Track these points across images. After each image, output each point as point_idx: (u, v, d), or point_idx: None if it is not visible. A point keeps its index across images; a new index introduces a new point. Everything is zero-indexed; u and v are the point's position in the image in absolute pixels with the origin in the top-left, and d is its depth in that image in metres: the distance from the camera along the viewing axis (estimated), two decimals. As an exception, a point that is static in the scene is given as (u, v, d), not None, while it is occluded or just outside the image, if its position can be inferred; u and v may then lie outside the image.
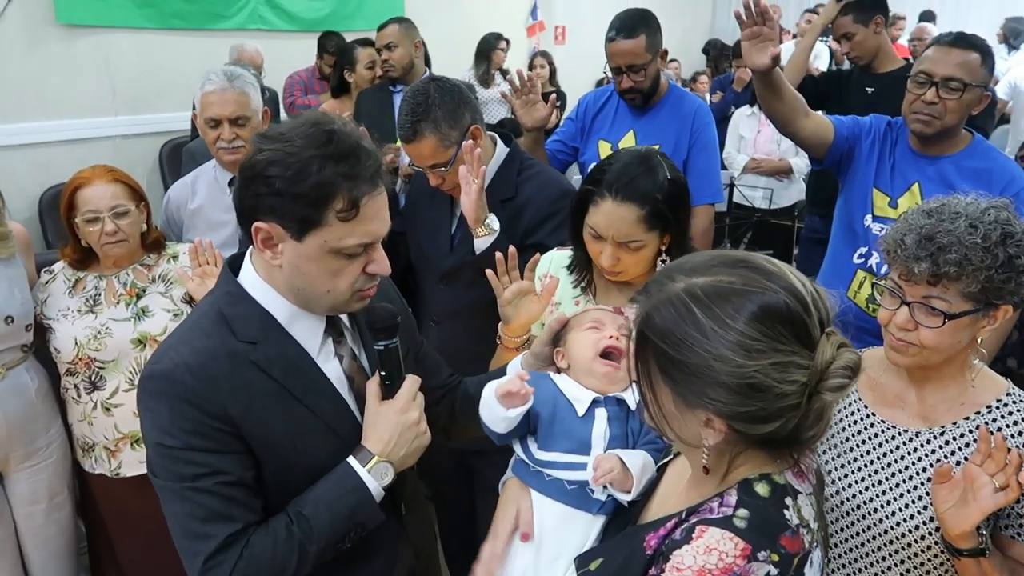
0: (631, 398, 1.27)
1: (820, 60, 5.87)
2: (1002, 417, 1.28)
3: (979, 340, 1.30)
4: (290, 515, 1.16)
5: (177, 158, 4.15)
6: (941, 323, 1.23)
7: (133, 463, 2.16)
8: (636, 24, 2.50)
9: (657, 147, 2.58)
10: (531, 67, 6.25)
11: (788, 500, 0.93)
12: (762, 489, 0.93)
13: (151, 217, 2.20)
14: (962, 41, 2.03)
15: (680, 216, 1.59)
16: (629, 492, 1.16)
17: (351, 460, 1.19)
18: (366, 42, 3.97)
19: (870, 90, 3.08)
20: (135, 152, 4.46)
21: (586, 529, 1.20)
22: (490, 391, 1.27)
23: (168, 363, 1.13)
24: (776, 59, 2.00)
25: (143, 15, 4.39)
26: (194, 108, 2.31)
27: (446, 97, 1.88)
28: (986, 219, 1.23)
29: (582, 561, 1.06)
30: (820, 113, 2.29)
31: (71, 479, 2.25)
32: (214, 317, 1.19)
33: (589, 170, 1.67)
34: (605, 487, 1.19)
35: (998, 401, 1.30)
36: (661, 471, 1.18)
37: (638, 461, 1.17)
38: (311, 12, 5.32)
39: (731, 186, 4.42)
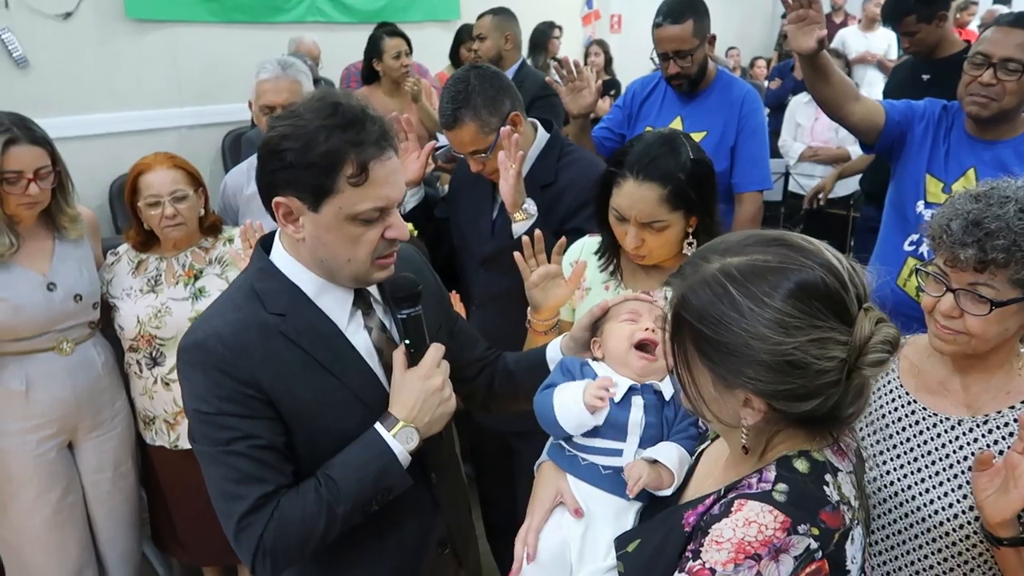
0: (667, 388, 1.27)
1: (891, 51, 5.68)
2: (1049, 406, 1.25)
3: (1026, 327, 1.26)
4: (319, 478, 1.20)
5: (239, 148, 4.30)
6: (988, 311, 1.20)
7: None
8: (683, 9, 2.49)
9: (705, 133, 2.56)
10: (586, 56, 6.22)
11: (828, 477, 0.93)
12: (801, 465, 0.93)
13: (208, 202, 2.30)
14: (1023, 21, 1.96)
15: (705, 197, 1.57)
16: (668, 488, 1.15)
17: (377, 426, 1.23)
18: (393, 32, 4.04)
19: (925, 77, 2.99)
20: (200, 142, 4.62)
21: (623, 513, 1.20)
22: (576, 395, 1.23)
23: (202, 334, 1.19)
24: (822, 43, 1.96)
25: (207, 9, 4.54)
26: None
27: (486, 84, 1.91)
28: None
29: (620, 543, 1.06)
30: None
31: (135, 450, 2.37)
32: (246, 292, 1.24)
33: (613, 153, 1.68)
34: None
35: (1046, 390, 1.26)
36: (697, 455, 1.18)
37: (673, 457, 1.16)
38: (367, 4, 5.41)
39: (786, 175, 4.34)
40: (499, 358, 1.56)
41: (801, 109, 4.49)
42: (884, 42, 5.77)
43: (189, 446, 2.20)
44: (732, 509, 0.91)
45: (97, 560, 2.34)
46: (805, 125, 4.43)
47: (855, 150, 4.25)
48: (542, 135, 2.06)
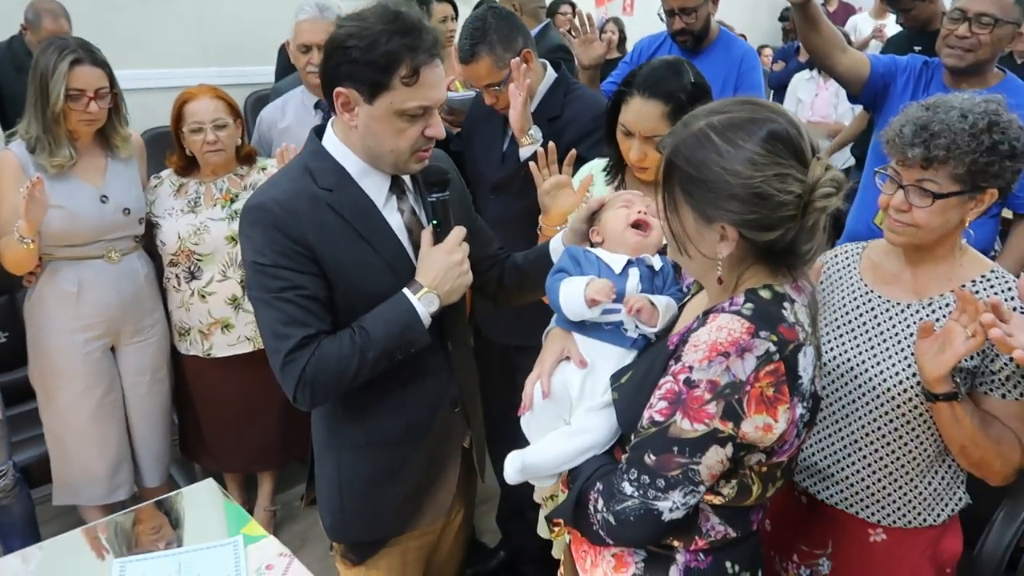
0: (656, 262, 1.48)
1: (888, 27, 5.85)
2: (984, 290, 1.44)
3: (967, 222, 1.45)
4: (353, 328, 1.41)
5: (260, 109, 4.48)
6: (931, 203, 1.40)
7: (222, 345, 2.48)
8: None
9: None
10: (601, 33, 6.37)
11: (786, 304, 1.14)
12: (765, 293, 1.14)
13: (245, 133, 2.50)
14: (996, -20, 2.14)
15: None
16: (655, 327, 1.37)
17: (405, 290, 1.44)
18: None
19: (917, 49, 3.17)
20: (224, 102, 4.81)
21: (622, 360, 1.40)
22: (579, 289, 1.39)
23: (263, 197, 1.40)
24: (812, -8, 2.15)
25: (235, -26, 4.74)
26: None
27: (501, 23, 2.11)
28: (976, 109, 1.38)
29: (615, 378, 1.27)
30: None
31: (170, 360, 2.58)
32: (300, 168, 1.45)
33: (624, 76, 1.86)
34: (637, 326, 1.39)
35: (982, 277, 1.45)
36: (681, 307, 1.40)
37: (663, 301, 1.39)
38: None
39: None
40: (509, 256, 1.76)
41: (803, 85, 4.68)
42: (895, 29, 5.95)
43: (220, 355, 2.47)
44: (708, 321, 1.13)
45: (132, 459, 2.56)
46: (806, 100, 4.62)
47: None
48: (551, 74, 2.26)
